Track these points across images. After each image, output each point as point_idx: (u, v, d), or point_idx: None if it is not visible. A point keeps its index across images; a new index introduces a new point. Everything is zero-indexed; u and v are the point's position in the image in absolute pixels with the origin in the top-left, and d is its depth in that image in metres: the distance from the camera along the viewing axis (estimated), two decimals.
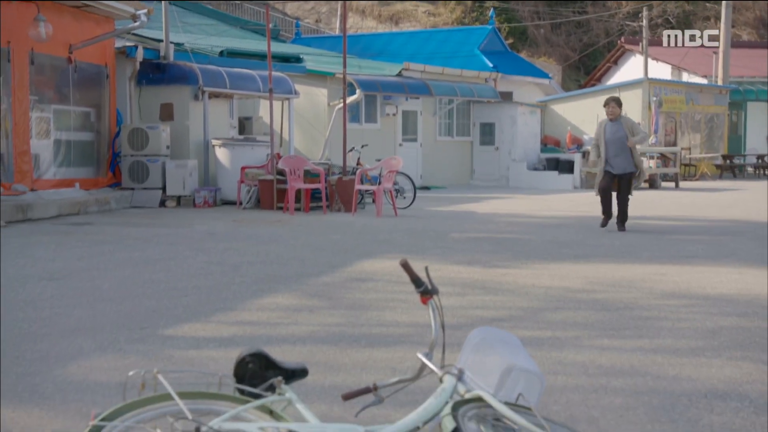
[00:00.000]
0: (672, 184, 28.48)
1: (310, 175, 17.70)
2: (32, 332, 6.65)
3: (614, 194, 14.33)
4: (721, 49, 37.24)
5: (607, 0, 54.20)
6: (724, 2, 38.01)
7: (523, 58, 40.06)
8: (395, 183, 18.33)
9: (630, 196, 14.42)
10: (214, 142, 19.45)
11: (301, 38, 35.91)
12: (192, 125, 19.54)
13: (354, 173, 18.31)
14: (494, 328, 4.87)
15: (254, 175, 18.29)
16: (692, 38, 37.49)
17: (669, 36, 38.10)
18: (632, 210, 18.19)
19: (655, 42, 40.60)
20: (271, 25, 22.31)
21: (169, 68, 19.58)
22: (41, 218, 15.23)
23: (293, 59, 25.29)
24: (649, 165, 28.84)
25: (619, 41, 45.39)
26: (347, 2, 35.87)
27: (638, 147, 14.67)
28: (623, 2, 53.11)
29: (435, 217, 16.97)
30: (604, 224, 14.29)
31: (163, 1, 20.54)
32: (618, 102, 14.21)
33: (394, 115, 26.56)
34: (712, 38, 37.45)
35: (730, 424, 4.66)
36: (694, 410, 4.89)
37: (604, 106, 14.31)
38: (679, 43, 37.49)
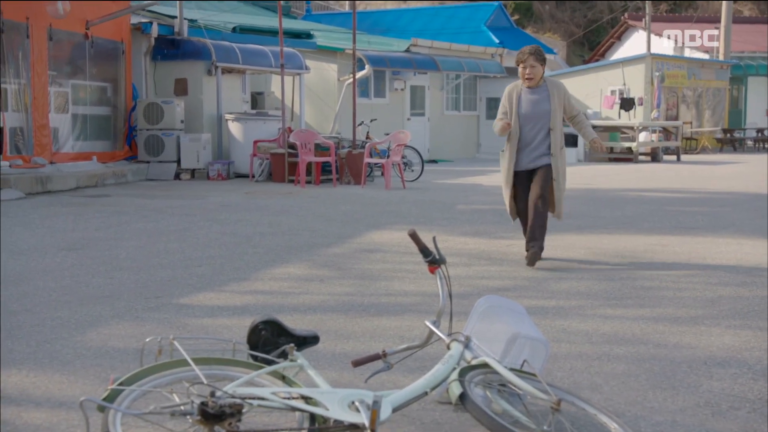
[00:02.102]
0: (673, 157, 28.59)
1: (320, 149, 17.82)
2: (52, 300, 6.73)
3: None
4: (722, 25, 37.20)
5: None
6: None
7: (528, 34, 39.97)
8: (403, 156, 18.42)
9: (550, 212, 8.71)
10: (227, 116, 19.55)
11: (311, 15, 35.85)
12: (206, 100, 19.66)
13: (363, 147, 18.41)
14: (500, 296, 4.93)
15: (266, 149, 18.42)
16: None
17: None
18: (634, 183, 18.18)
19: (659, 18, 40.50)
20: (282, 2, 22.35)
21: (184, 44, 19.70)
22: (60, 190, 15.46)
23: (304, 35, 25.32)
24: (651, 139, 28.89)
25: (622, 17, 45.17)
26: None
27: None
28: None
29: (442, 189, 17.06)
30: (534, 258, 8.41)
31: None
32: (539, 56, 8.35)
33: (402, 89, 26.57)
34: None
35: (729, 390, 4.68)
36: (693, 377, 4.92)
37: (518, 63, 8.46)
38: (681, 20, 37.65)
